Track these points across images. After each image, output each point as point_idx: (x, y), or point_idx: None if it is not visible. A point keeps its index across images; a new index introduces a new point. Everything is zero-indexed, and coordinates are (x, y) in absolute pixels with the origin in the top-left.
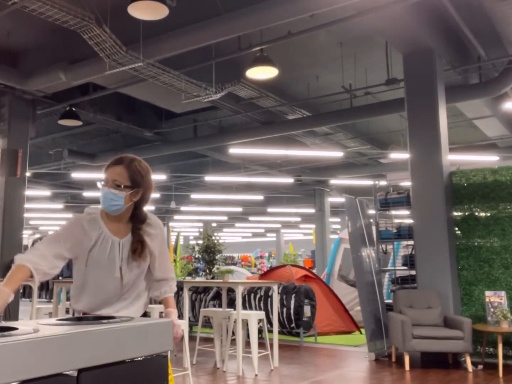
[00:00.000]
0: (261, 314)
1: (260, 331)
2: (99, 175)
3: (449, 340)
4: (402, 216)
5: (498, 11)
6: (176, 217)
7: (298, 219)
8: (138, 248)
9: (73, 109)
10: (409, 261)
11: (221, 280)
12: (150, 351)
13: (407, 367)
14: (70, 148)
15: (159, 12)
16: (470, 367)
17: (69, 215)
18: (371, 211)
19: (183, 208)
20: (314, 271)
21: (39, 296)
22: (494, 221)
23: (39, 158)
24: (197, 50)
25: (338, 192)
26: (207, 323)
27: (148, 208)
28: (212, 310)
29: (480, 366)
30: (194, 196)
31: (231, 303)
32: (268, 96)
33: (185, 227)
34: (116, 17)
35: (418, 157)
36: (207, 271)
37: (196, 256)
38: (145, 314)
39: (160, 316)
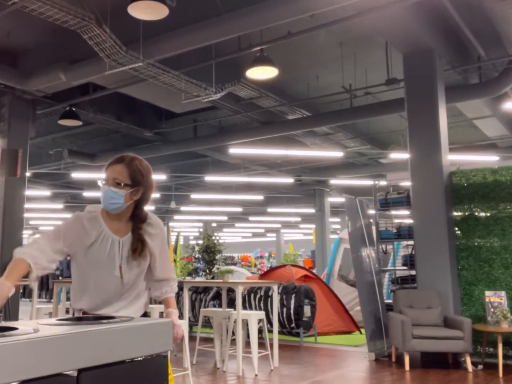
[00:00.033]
0: (261, 314)
1: (260, 331)
2: (99, 175)
3: (449, 340)
4: (402, 216)
5: (498, 11)
6: (176, 217)
7: (298, 219)
8: (138, 247)
9: (73, 109)
10: (409, 261)
11: (221, 280)
12: (150, 351)
13: (407, 367)
14: (70, 148)
15: (159, 12)
16: (470, 367)
17: (69, 215)
18: (371, 211)
19: (183, 208)
20: (314, 271)
21: (39, 296)
22: (494, 221)
23: (39, 158)
24: (197, 50)
25: (338, 192)
26: (207, 323)
27: (148, 208)
28: (212, 310)
29: (480, 366)
30: (194, 196)
31: (231, 303)
32: (268, 96)
33: (185, 227)
34: (116, 17)
35: (418, 157)
36: (207, 271)
37: (196, 256)
38: (145, 314)
39: (161, 316)
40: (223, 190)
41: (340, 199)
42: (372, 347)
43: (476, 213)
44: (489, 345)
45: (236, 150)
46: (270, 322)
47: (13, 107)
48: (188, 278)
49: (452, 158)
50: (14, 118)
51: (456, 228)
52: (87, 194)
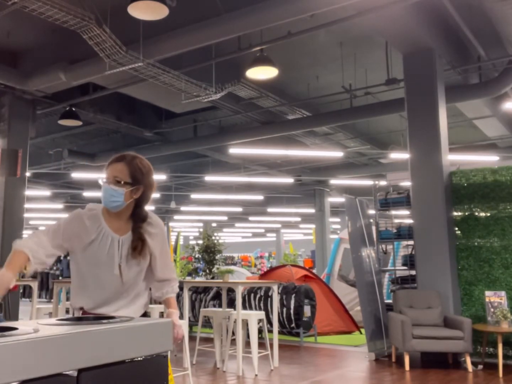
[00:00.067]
0: (261, 314)
1: (260, 331)
2: (99, 175)
3: (449, 340)
4: (402, 216)
5: (498, 11)
6: (176, 217)
7: (298, 219)
8: (138, 245)
9: (73, 109)
10: (409, 261)
11: (221, 280)
12: (150, 351)
13: (407, 367)
14: (70, 148)
15: (159, 12)
16: (470, 367)
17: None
18: (371, 211)
19: (183, 208)
20: (314, 271)
21: (39, 296)
22: (494, 221)
23: (39, 158)
24: (197, 50)
25: (338, 192)
26: (207, 323)
27: (148, 207)
28: (212, 310)
29: (480, 366)
30: (194, 196)
31: (231, 303)
32: (268, 96)
33: (185, 227)
34: (116, 17)
35: (418, 157)
36: (207, 271)
37: (196, 256)
38: (145, 314)
39: (161, 316)
40: (223, 190)
41: (340, 199)
42: (372, 347)
43: (476, 213)
44: (489, 345)
45: (236, 150)
46: (270, 322)
47: (13, 107)
48: (188, 278)
49: (452, 158)
50: (14, 118)
51: (456, 228)
52: (87, 194)
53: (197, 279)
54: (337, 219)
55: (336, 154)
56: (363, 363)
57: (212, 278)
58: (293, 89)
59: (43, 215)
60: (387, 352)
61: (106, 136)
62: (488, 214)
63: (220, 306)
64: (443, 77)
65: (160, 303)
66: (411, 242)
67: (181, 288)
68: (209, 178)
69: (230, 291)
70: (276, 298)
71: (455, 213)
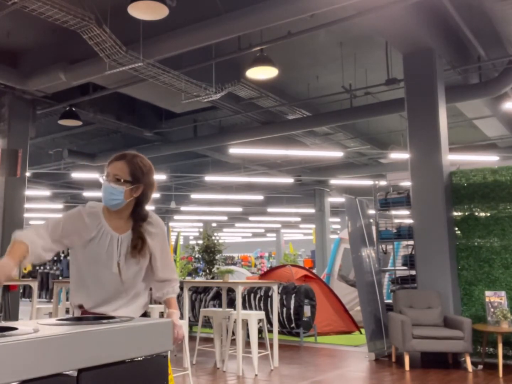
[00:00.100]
0: (261, 314)
1: (260, 331)
2: (99, 175)
3: (449, 340)
4: (402, 216)
5: (498, 11)
6: (176, 217)
7: (298, 219)
8: (138, 244)
9: (73, 109)
10: (409, 261)
11: (221, 280)
12: (150, 351)
13: (407, 367)
14: (70, 148)
15: (159, 12)
16: (470, 367)
17: None
18: (371, 211)
19: (183, 208)
20: (314, 271)
21: (39, 296)
22: (494, 221)
23: (39, 158)
24: (197, 50)
25: (338, 192)
26: (207, 323)
27: (148, 207)
28: (212, 310)
29: (480, 366)
30: (194, 196)
31: (231, 303)
32: (268, 96)
33: (185, 227)
34: (116, 17)
35: (418, 157)
36: (207, 271)
37: (196, 256)
38: (145, 314)
39: (161, 316)
40: (223, 190)
41: (340, 199)
42: (372, 347)
43: (476, 213)
44: (489, 345)
45: (236, 150)
46: (270, 322)
47: (13, 107)
48: (188, 278)
49: (452, 158)
50: (14, 118)
51: (456, 228)
52: (87, 194)
53: (197, 279)
54: (337, 219)
55: (336, 154)
56: (363, 363)
57: (212, 278)
58: (293, 89)
59: (43, 215)
60: (387, 352)
61: (106, 136)
62: (488, 214)
63: (220, 306)
64: (443, 77)
65: (160, 303)
66: (411, 242)
67: (181, 288)
68: (209, 178)
69: (230, 291)
70: (276, 298)
71: (455, 213)
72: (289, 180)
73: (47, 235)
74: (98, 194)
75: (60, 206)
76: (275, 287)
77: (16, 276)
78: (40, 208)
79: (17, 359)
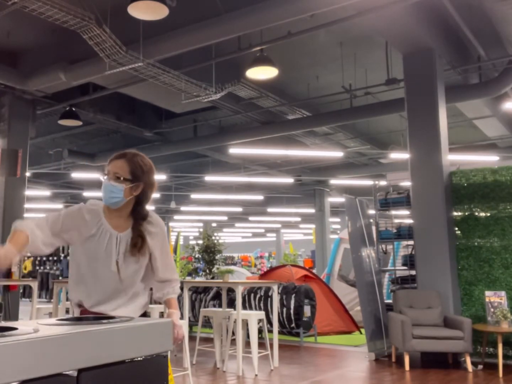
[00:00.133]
0: (261, 314)
1: (260, 331)
2: (99, 175)
3: (449, 340)
4: (402, 216)
5: (498, 11)
6: (176, 217)
7: (298, 219)
8: (138, 242)
9: (73, 109)
10: (409, 261)
11: (221, 280)
12: (150, 351)
13: (407, 367)
14: (70, 148)
15: (159, 12)
16: (470, 367)
17: None
18: (371, 211)
19: (183, 208)
20: (314, 271)
21: (39, 296)
22: (494, 221)
23: (39, 158)
24: (197, 50)
25: (338, 192)
26: (207, 323)
27: (148, 207)
28: (212, 310)
29: (480, 366)
30: (194, 196)
31: (231, 303)
32: (268, 96)
33: (185, 227)
34: (116, 17)
35: (418, 157)
36: (207, 271)
37: (196, 256)
38: (145, 314)
39: (161, 316)
40: (223, 190)
41: (340, 199)
42: (372, 347)
43: (476, 213)
44: (489, 345)
45: (236, 150)
46: (270, 322)
47: (13, 107)
48: (188, 278)
49: (452, 158)
50: (14, 118)
51: (456, 228)
52: (87, 194)
53: (197, 279)
54: (337, 219)
55: (336, 154)
56: (363, 363)
57: (212, 278)
58: (293, 89)
59: (43, 215)
60: (387, 352)
61: (106, 136)
62: (488, 214)
63: (220, 306)
64: (443, 77)
65: (160, 303)
66: (411, 242)
67: (181, 288)
68: (209, 178)
69: (230, 291)
70: (276, 298)
71: (455, 213)
72: (289, 180)
73: (47, 228)
74: (98, 194)
75: (60, 206)
76: (275, 287)
77: (17, 262)
78: (40, 208)
79: (17, 359)
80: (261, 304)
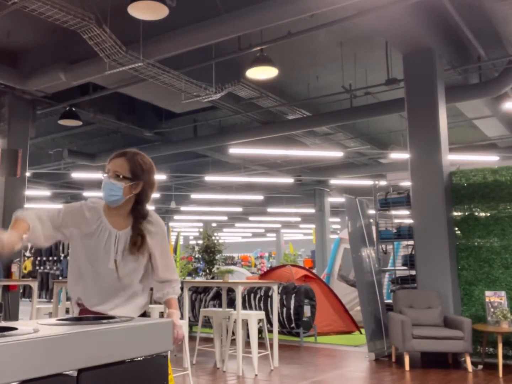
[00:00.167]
0: (261, 314)
1: (260, 331)
2: (99, 175)
3: (449, 340)
4: (402, 216)
5: (498, 11)
6: (176, 217)
7: (298, 219)
8: (138, 241)
9: (73, 109)
10: (409, 261)
11: (221, 280)
12: (150, 351)
13: (407, 367)
14: (70, 148)
15: (159, 12)
16: (470, 367)
17: None
18: (371, 211)
19: (183, 208)
20: (314, 271)
21: (39, 296)
22: (494, 221)
23: (39, 158)
24: (197, 50)
25: (338, 192)
26: (207, 323)
27: (148, 207)
28: (212, 310)
29: (480, 366)
30: (194, 196)
31: (231, 303)
32: (268, 96)
33: (185, 227)
34: (116, 17)
35: (418, 157)
36: (207, 271)
37: (196, 256)
38: (145, 314)
39: (161, 316)
40: (223, 190)
41: (340, 199)
42: (372, 347)
43: (476, 213)
44: (489, 345)
45: (236, 150)
46: (270, 322)
47: (13, 107)
48: (188, 278)
49: (452, 158)
50: (14, 118)
51: (456, 228)
52: (87, 194)
53: (197, 279)
54: (337, 219)
55: (336, 154)
56: (363, 363)
57: (212, 278)
58: (293, 89)
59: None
60: (387, 352)
61: (106, 136)
62: (488, 214)
63: (220, 306)
64: (443, 77)
65: (160, 303)
66: (411, 242)
67: (181, 288)
68: (209, 178)
69: (230, 291)
70: (276, 298)
71: (455, 213)
72: (289, 180)
73: (48, 220)
74: (98, 194)
75: (60, 206)
76: (275, 287)
77: (18, 249)
78: (40, 208)
79: (17, 359)
80: (261, 304)
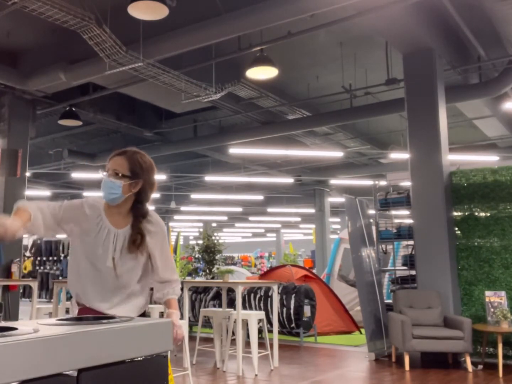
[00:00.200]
0: (261, 314)
1: (260, 331)
2: (99, 175)
3: (449, 340)
4: (402, 216)
5: (498, 11)
6: (176, 217)
7: (298, 219)
8: (137, 239)
9: (73, 109)
10: (409, 261)
11: (221, 280)
12: (150, 351)
13: (407, 367)
14: (70, 148)
15: (159, 12)
16: (470, 367)
17: None
18: (371, 211)
19: (183, 208)
20: (314, 271)
21: (39, 296)
22: (494, 221)
23: (39, 158)
24: (197, 50)
25: (338, 192)
26: (207, 323)
27: (149, 207)
28: (212, 310)
29: (480, 366)
30: (194, 196)
31: (231, 303)
32: (268, 96)
33: (185, 227)
34: (116, 17)
35: (418, 157)
36: (207, 271)
37: (196, 256)
38: (145, 314)
39: (161, 317)
40: (223, 190)
41: (340, 199)
42: (372, 347)
43: (476, 213)
44: (489, 345)
45: (236, 150)
46: (270, 322)
47: (13, 107)
48: (188, 278)
49: (452, 158)
50: (14, 118)
51: (456, 228)
52: (87, 194)
53: (197, 279)
54: (337, 219)
55: (336, 154)
56: (363, 363)
57: (212, 278)
58: (293, 89)
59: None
60: (387, 352)
61: (106, 136)
62: (488, 214)
63: (220, 306)
64: (443, 77)
65: (160, 303)
66: (411, 242)
67: (181, 288)
68: (209, 178)
69: (230, 291)
70: (276, 298)
71: (455, 213)
72: (289, 180)
73: (49, 213)
74: (98, 194)
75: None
76: (275, 287)
77: (20, 236)
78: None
79: (17, 359)
80: (261, 304)
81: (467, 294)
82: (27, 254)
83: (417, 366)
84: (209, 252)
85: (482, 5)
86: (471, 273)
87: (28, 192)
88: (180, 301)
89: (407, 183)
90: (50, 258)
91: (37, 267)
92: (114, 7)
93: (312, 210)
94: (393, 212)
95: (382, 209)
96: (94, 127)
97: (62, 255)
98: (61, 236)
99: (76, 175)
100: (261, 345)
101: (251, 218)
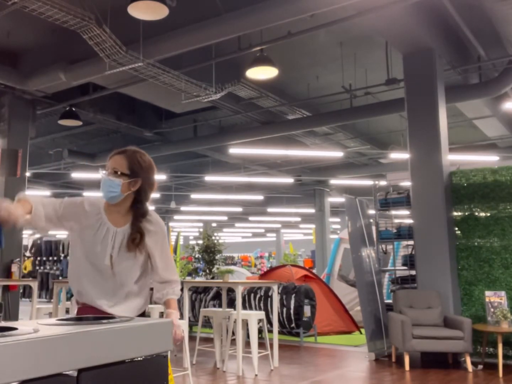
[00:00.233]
0: (261, 314)
1: (260, 331)
2: (99, 175)
3: (449, 340)
4: (402, 216)
5: (498, 11)
6: (176, 217)
7: (298, 219)
8: (137, 238)
9: (73, 109)
10: (409, 261)
11: (221, 280)
12: (150, 351)
13: (407, 367)
14: (70, 148)
15: (159, 12)
16: (470, 367)
17: None
18: (371, 211)
19: (183, 208)
20: (314, 271)
21: (39, 296)
22: (494, 221)
23: (39, 158)
24: (197, 50)
25: (338, 192)
26: (207, 323)
27: (148, 207)
28: (212, 310)
29: (480, 366)
30: (194, 196)
31: (231, 303)
32: (268, 96)
33: (185, 227)
34: (116, 17)
35: (418, 157)
36: (207, 271)
37: (196, 256)
38: (145, 314)
39: (161, 317)
40: (223, 190)
41: (340, 199)
42: (372, 347)
43: (476, 213)
44: (489, 345)
45: (236, 150)
46: (270, 322)
47: (13, 107)
48: (188, 278)
49: (452, 158)
50: (14, 118)
51: (456, 228)
52: (87, 194)
53: (197, 279)
54: (337, 219)
55: (336, 154)
56: (363, 363)
57: (212, 278)
58: (293, 89)
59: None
60: (387, 352)
61: (106, 136)
62: (488, 214)
63: (220, 306)
64: (443, 77)
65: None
66: (411, 242)
67: (181, 288)
68: (209, 178)
69: (230, 291)
70: (276, 298)
71: (455, 213)
72: (289, 180)
73: (50, 206)
74: (98, 194)
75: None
76: (275, 287)
77: (21, 224)
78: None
79: (17, 359)
80: (261, 304)
81: (467, 294)
82: (27, 254)
83: (417, 366)
84: (209, 252)
85: (482, 5)
86: (471, 273)
87: (28, 192)
88: (180, 301)
89: (407, 183)
90: (50, 258)
91: (37, 267)
92: (114, 7)
93: (312, 210)
94: (393, 212)
95: (382, 209)
96: (94, 127)
97: (62, 255)
98: (61, 236)
99: (76, 175)
100: (261, 345)
101: (251, 218)
